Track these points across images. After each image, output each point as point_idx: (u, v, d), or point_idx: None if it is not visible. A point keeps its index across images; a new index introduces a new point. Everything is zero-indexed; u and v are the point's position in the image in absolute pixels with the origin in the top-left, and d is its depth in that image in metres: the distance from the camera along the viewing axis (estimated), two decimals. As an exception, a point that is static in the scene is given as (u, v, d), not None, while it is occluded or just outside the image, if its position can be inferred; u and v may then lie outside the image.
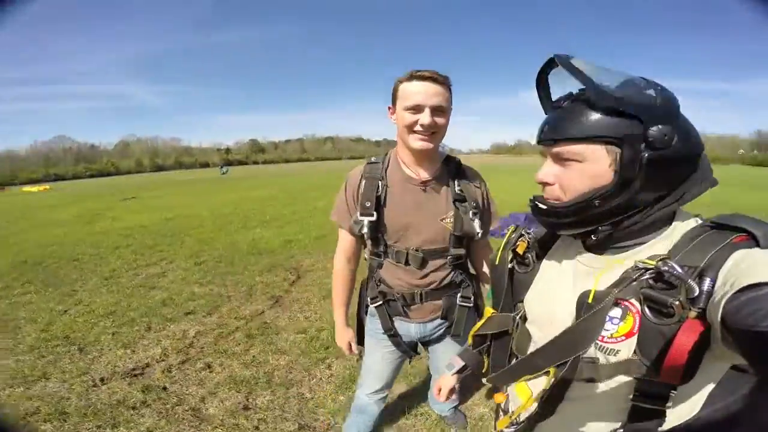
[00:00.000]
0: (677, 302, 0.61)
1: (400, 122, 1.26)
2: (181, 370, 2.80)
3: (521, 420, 0.89)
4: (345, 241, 1.51)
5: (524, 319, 0.93)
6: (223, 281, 4.68)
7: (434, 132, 1.24)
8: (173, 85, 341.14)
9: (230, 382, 2.61)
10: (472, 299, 1.49)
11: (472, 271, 1.59)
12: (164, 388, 2.58)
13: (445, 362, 1.67)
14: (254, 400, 2.43)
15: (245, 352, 3.02)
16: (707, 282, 0.60)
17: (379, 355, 1.62)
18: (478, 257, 1.56)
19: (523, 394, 0.83)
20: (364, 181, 1.36)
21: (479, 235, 1.36)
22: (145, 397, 2.46)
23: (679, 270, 0.61)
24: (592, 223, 0.73)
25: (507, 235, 0.97)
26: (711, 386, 0.73)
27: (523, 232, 0.96)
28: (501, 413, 1.03)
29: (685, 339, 0.61)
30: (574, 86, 0.72)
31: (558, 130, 0.72)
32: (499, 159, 75.60)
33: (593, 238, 0.75)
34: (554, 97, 0.78)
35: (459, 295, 1.47)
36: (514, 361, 0.97)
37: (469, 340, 1.08)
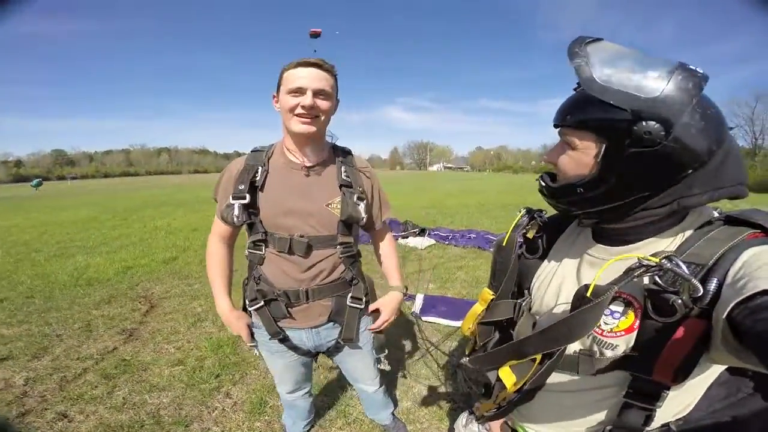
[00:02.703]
0: (679, 301, 0.59)
1: (283, 107, 1.24)
2: (24, 423, 2.10)
3: (504, 404, 0.88)
4: (218, 225, 1.43)
5: (530, 307, 0.92)
6: (44, 319, 3.64)
7: (317, 116, 1.24)
8: None
9: (104, 430, 2.06)
10: (363, 300, 1.47)
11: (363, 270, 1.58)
12: None
13: (360, 373, 1.67)
14: (148, 444, 1.94)
15: (109, 394, 2.42)
16: (714, 282, 0.59)
17: (280, 366, 1.57)
18: (378, 242, 1.62)
19: (508, 380, 0.82)
20: (242, 166, 1.32)
21: (364, 219, 1.37)
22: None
23: (684, 268, 0.59)
24: (576, 207, 0.75)
25: (517, 218, 0.96)
26: (703, 388, 0.74)
27: (535, 216, 0.95)
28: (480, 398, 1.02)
29: (683, 338, 0.61)
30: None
31: (560, 115, 0.73)
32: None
33: (584, 222, 0.79)
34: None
35: (350, 295, 1.44)
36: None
37: (465, 329, 1.02)
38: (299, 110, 1.21)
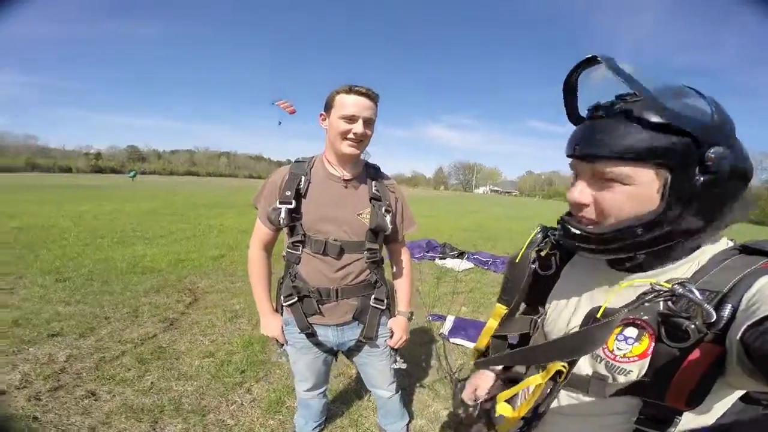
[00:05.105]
0: (692, 326, 0.58)
1: (333, 129, 1.39)
2: (54, 398, 2.24)
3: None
4: (261, 230, 1.56)
5: (543, 324, 0.92)
6: (98, 301, 3.91)
7: (361, 140, 1.40)
8: (43, 76, 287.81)
9: (126, 411, 2.15)
10: (385, 302, 1.58)
11: (386, 275, 1.68)
12: (35, 418, 2.03)
13: (376, 377, 1.73)
14: (163, 429, 2.03)
15: (139, 378, 2.54)
16: (728, 308, 0.58)
17: (303, 363, 1.65)
18: (394, 258, 1.73)
19: (507, 412, 0.81)
20: (288, 176, 1.46)
21: (389, 229, 1.49)
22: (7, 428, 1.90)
23: (697, 294, 0.58)
24: (630, 250, 0.67)
25: (532, 235, 0.92)
26: (716, 417, 0.71)
27: (548, 234, 0.92)
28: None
29: (696, 362, 0.60)
30: (606, 93, 0.66)
31: (601, 146, 0.63)
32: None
33: (626, 265, 0.72)
34: (581, 104, 0.72)
35: (372, 296, 1.55)
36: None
37: (481, 345, 1.00)
38: (350, 135, 1.36)
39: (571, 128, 0.73)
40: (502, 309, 0.94)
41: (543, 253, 0.91)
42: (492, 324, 0.96)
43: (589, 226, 0.69)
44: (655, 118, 0.58)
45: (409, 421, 2.03)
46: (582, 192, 0.68)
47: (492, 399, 1.02)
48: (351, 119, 1.35)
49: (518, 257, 0.92)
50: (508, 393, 0.79)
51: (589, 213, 0.69)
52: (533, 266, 0.91)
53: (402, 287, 1.72)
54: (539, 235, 0.92)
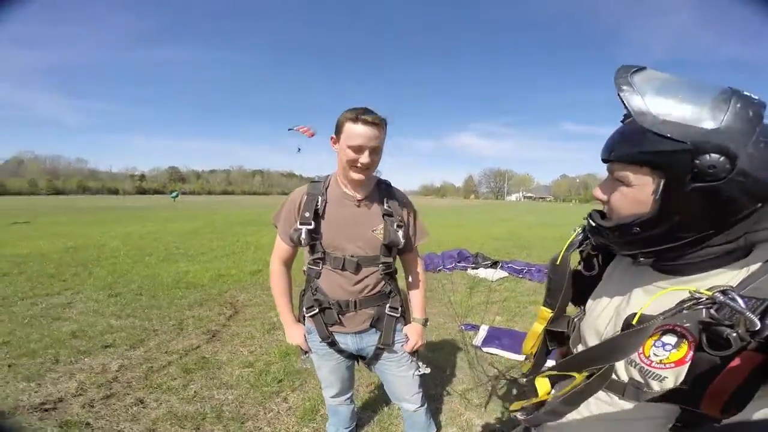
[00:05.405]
0: (734, 334, 0.57)
1: (342, 155, 1.45)
2: (106, 405, 2.40)
3: (532, 410, 0.90)
4: (281, 247, 1.64)
5: (580, 323, 0.95)
6: (146, 315, 4.16)
7: (368, 168, 1.45)
8: (93, 102, 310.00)
9: (171, 418, 2.27)
10: (399, 310, 1.66)
11: (400, 285, 1.73)
12: (87, 424, 2.19)
13: (398, 385, 1.76)
14: (205, 435, 2.13)
15: (184, 387, 2.67)
16: None
17: (327, 369, 1.73)
18: (407, 268, 1.78)
19: (542, 388, 0.85)
20: (305, 197, 1.54)
21: (402, 243, 1.57)
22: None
23: (740, 302, 0.56)
24: (632, 247, 0.72)
25: (572, 237, 0.95)
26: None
27: (589, 234, 0.92)
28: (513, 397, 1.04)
29: (735, 370, 0.59)
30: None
31: (611, 150, 0.70)
32: (426, 199, 79.22)
33: (640, 261, 0.74)
34: None
35: (388, 305, 1.63)
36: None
37: (527, 350, 1.04)
38: (358, 165, 1.43)
39: (602, 130, 0.78)
40: (546, 312, 0.98)
41: (584, 254, 0.95)
42: (537, 328, 1.00)
43: (603, 220, 0.76)
44: (646, 126, 0.60)
45: (438, 431, 2.03)
46: (599, 189, 0.76)
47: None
48: (358, 149, 1.40)
49: (559, 259, 0.95)
50: (551, 372, 0.85)
51: (605, 209, 0.76)
52: (578, 267, 0.96)
53: (416, 295, 1.78)
54: (580, 236, 0.95)
